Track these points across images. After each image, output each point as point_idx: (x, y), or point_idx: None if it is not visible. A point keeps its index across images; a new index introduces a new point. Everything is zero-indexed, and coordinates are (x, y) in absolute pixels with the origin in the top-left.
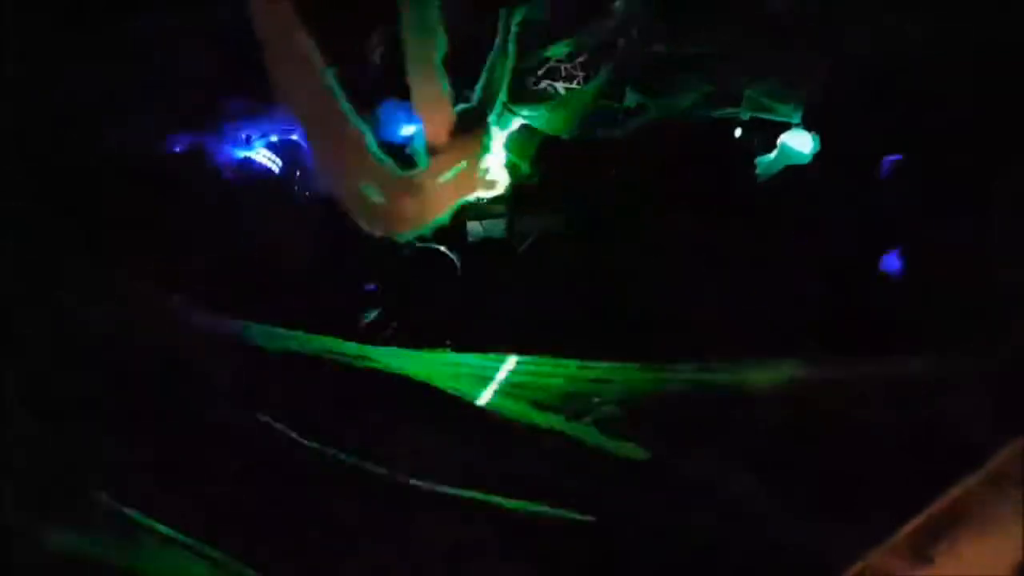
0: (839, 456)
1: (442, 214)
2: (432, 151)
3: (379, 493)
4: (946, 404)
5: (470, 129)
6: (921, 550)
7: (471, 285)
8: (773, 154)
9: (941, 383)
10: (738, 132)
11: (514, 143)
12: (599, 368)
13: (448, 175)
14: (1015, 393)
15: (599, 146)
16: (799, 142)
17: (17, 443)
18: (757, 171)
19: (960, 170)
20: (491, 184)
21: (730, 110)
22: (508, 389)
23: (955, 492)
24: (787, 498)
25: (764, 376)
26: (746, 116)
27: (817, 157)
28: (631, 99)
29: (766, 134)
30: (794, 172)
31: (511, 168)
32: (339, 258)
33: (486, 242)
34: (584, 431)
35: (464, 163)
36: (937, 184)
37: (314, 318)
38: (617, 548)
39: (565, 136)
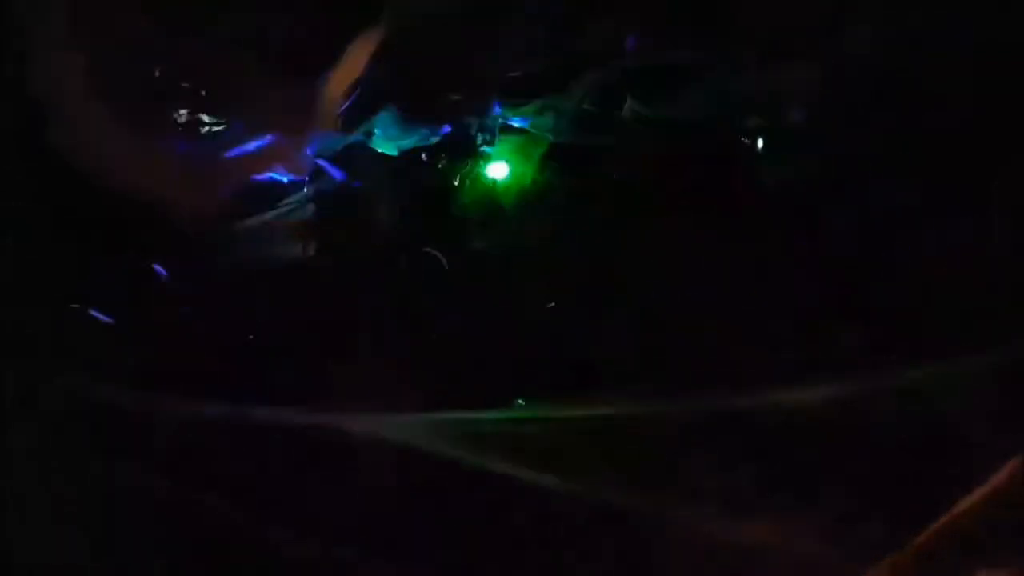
0: (840, 459)
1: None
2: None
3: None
4: (949, 406)
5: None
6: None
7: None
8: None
9: (944, 384)
10: (744, 138)
11: (511, 149)
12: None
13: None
14: (1018, 394)
15: (598, 154)
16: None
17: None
18: (763, 177)
19: (960, 170)
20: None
21: (733, 115)
22: (498, 444)
23: (962, 510)
24: (788, 502)
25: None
26: (751, 123)
27: (818, 160)
28: (628, 107)
29: (771, 138)
30: (794, 174)
31: (515, 176)
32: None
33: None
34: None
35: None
36: (938, 184)
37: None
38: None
39: (556, 140)
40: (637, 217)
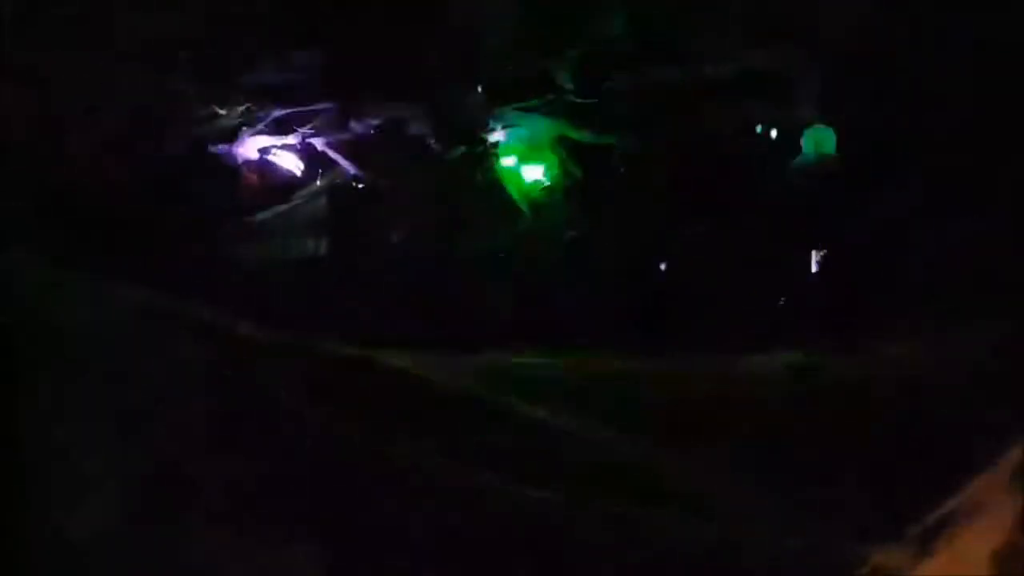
0: (838, 451)
1: None
2: None
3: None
4: (947, 401)
5: None
6: (925, 545)
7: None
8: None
9: (941, 379)
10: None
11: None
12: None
13: None
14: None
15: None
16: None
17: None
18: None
19: (960, 169)
20: None
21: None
22: (507, 382)
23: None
24: (787, 495)
25: (766, 367)
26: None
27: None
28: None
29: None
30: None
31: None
32: (357, 259)
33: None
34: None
35: None
36: (938, 182)
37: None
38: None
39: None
40: (637, 204)
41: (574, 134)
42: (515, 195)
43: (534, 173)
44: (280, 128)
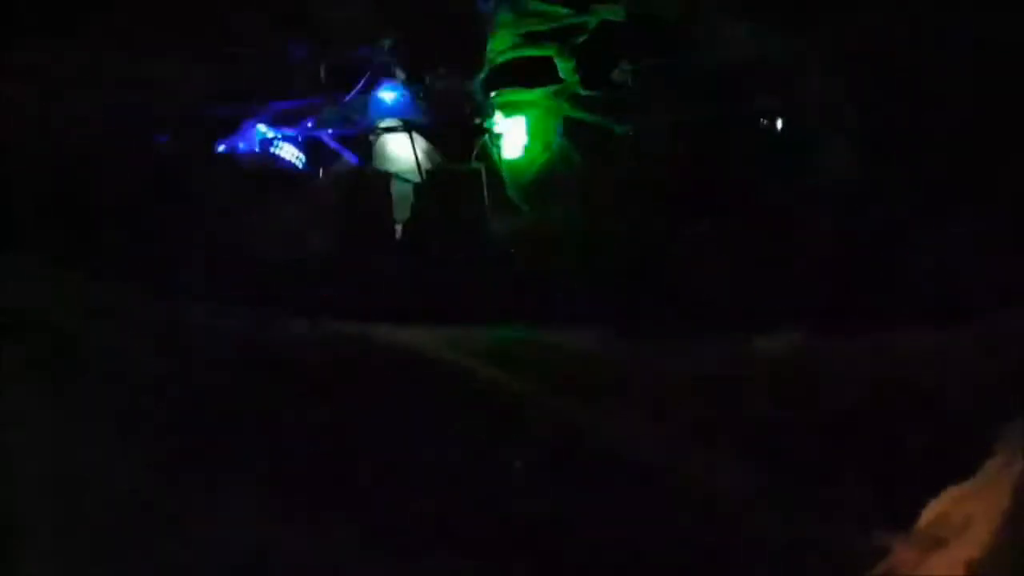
0: (844, 445)
1: None
2: None
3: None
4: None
5: None
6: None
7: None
8: None
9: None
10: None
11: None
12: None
13: None
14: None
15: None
16: None
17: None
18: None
19: (960, 169)
20: None
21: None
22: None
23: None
24: (794, 492)
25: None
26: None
27: (820, 150)
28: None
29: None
30: (798, 165)
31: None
32: (358, 249)
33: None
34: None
35: None
36: (938, 182)
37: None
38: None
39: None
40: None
41: (578, 114)
42: (514, 185)
43: (535, 162)
44: (282, 120)
